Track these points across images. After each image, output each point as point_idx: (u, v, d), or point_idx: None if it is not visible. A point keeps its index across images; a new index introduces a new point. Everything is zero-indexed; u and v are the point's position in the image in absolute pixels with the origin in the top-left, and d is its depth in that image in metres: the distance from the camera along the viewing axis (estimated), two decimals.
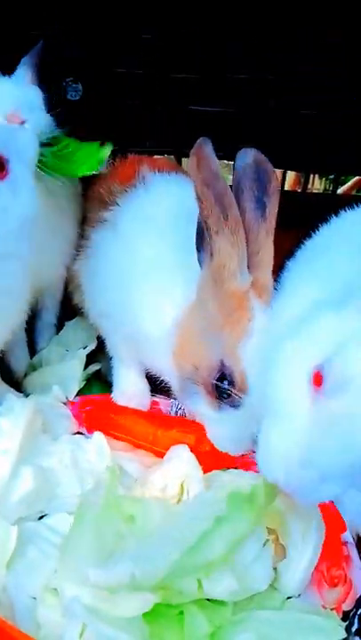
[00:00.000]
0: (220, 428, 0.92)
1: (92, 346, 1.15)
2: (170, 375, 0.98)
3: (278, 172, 1.55)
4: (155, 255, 0.96)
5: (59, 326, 1.27)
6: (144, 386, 1.10)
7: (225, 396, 0.88)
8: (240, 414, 0.88)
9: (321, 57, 1.29)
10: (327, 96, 1.32)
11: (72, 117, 1.40)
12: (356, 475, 0.67)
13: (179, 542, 0.73)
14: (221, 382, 0.87)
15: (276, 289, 0.91)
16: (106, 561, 0.74)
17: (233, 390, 0.86)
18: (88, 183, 1.23)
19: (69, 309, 1.17)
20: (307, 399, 0.69)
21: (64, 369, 1.13)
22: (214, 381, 0.88)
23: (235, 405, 0.88)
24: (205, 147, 0.82)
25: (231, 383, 0.86)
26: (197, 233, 0.87)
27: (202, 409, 0.93)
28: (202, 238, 0.86)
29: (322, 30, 1.27)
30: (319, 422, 0.67)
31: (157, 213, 1.00)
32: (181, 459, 0.91)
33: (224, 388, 0.87)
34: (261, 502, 0.78)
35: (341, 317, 0.70)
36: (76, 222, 1.16)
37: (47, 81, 1.12)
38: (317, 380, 0.68)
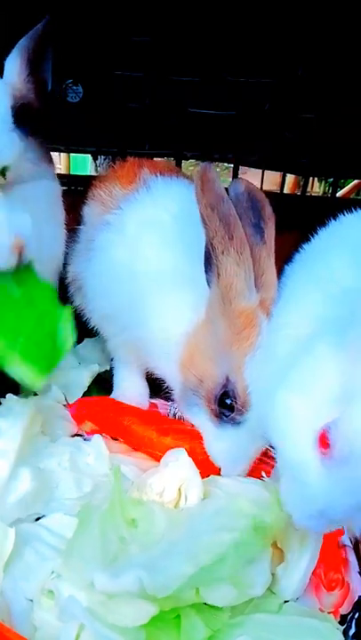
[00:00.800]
0: (219, 443, 0.92)
1: (106, 367, 1.15)
2: (173, 382, 0.98)
3: (278, 175, 1.56)
4: (163, 264, 0.96)
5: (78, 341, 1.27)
6: (144, 388, 1.10)
7: (226, 412, 0.88)
8: (239, 432, 0.88)
9: (320, 60, 1.30)
10: (327, 99, 1.33)
11: (72, 119, 1.41)
12: None
13: (194, 559, 0.73)
14: (225, 398, 0.88)
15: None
16: (110, 565, 0.74)
17: (236, 406, 0.87)
18: (88, 185, 1.24)
19: (89, 329, 1.17)
20: (316, 460, 0.69)
21: (72, 375, 1.13)
22: (218, 396, 0.88)
23: (235, 422, 0.88)
24: (209, 171, 0.84)
25: (234, 399, 0.87)
26: (205, 255, 0.88)
27: (202, 422, 0.93)
28: (209, 260, 0.87)
29: (321, 33, 1.27)
30: (330, 483, 0.68)
31: (164, 218, 1.00)
32: (179, 463, 0.91)
33: (227, 403, 0.87)
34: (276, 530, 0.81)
35: (344, 359, 0.68)
36: (61, 225, 1.14)
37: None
38: (324, 442, 0.68)
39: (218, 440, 0.92)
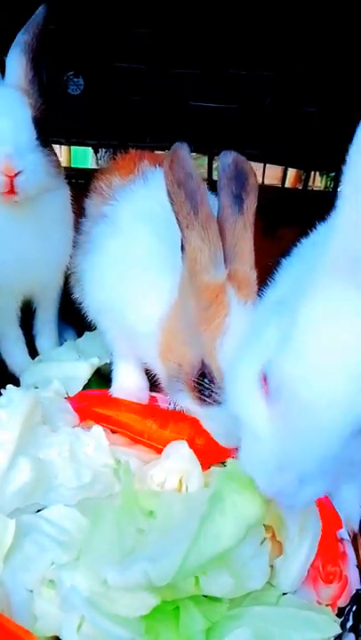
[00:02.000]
0: (208, 423, 0.93)
1: (107, 360, 1.15)
2: (159, 371, 0.98)
3: (279, 169, 1.55)
4: (148, 251, 0.96)
5: (78, 335, 1.28)
6: (143, 381, 1.10)
7: (206, 393, 0.89)
8: (224, 410, 0.87)
9: (322, 53, 1.29)
10: (328, 93, 1.32)
11: (73, 112, 1.40)
12: (334, 469, 0.68)
13: (185, 535, 0.73)
14: (202, 380, 0.88)
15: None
16: (126, 557, 0.74)
17: (213, 388, 0.87)
18: (90, 178, 1.23)
19: (90, 322, 1.17)
20: (262, 403, 0.70)
21: (72, 368, 1.13)
22: (195, 379, 0.88)
23: (218, 402, 0.88)
24: (181, 149, 0.85)
25: (211, 381, 0.87)
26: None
27: (188, 405, 0.94)
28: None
29: (322, 26, 1.27)
30: (276, 425, 0.68)
31: (154, 208, 1.00)
32: (180, 454, 0.91)
33: (205, 386, 0.88)
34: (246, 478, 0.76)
35: (282, 320, 0.72)
36: (70, 230, 1.17)
37: (48, 73, 1.11)
38: (264, 382, 0.70)
39: (206, 420, 0.92)
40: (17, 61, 1.03)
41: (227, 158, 0.91)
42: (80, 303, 1.16)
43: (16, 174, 0.96)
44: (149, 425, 1.00)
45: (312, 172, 1.62)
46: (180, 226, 0.86)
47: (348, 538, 0.93)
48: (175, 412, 1.06)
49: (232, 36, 1.31)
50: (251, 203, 0.90)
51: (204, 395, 0.89)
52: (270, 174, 1.56)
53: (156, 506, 0.83)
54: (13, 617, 0.76)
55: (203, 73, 1.37)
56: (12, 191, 0.97)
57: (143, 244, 0.98)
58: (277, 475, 0.68)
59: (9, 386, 1.02)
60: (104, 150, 1.53)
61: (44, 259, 1.12)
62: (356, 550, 0.93)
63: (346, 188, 0.67)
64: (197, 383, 0.89)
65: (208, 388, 0.88)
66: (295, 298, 0.71)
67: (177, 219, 0.86)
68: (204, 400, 0.90)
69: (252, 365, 0.74)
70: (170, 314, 0.92)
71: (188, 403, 0.93)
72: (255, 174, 0.92)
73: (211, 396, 0.88)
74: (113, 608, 0.72)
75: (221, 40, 1.33)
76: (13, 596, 0.79)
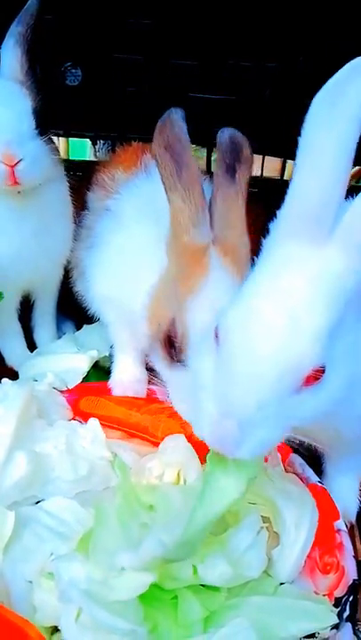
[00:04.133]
0: (172, 385, 0.92)
1: (105, 353, 1.16)
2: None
3: (278, 160, 1.54)
4: (151, 245, 0.96)
5: (77, 328, 1.28)
6: (142, 375, 1.10)
7: (173, 353, 0.88)
8: (187, 372, 0.87)
9: (322, 45, 1.28)
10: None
11: (71, 103, 1.39)
12: (276, 418, 0.68)
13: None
14: (172, 339, 0.88)
15: None
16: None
17: (178, 346, 0.87)
18: (89, 170, 1.23)
19: (89, 315, 1.17)
20: (212, 354, 0.72)
21: (71, 361, 1.13)
22: (166, 337, 0.89)
23: (182, 363, 0.88)
24: (175, 114, 0.87)
25: (175, 337, 0.87)
26: None
27: (159, 367, 0.94)
28: None
29: (323, 17, 1.26)
30: (219, 371, 0.70)
31: (158, 202, 1.00)
32: (178, 447, 0.92)
33: (174, 344, 0.87)
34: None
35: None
36: (70, 222, 1.17)
37: (45, 64, 1.10)
38: (216, 340, 0.72)
39: (170, 382, 0.92)
40: (12, 53, 1.03)
41: (223, 134, 0.93)
42: (82, 296, 1.16)
43: (16, 163, 0.95)
44: (134, 415, 1.01)
45: None
46: (165, 188, 0.87)
47: (346, 528, 0.93)
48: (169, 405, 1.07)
49: (232, 28, 1.30)
50: (243, 173, 0.91)
51: (171, 354, 0.89)
52: (269, 166, 1.55)
53: (156, 499, 0.83)
54: (13, 608, 0.77)
55: (202, 64, 1.36)
56: (14, 182, 0.97)
57: (147, 239, 0.97)
58: (218, 422, 0.68)
59: (4, 380, 1.02)
60: (102, 142, 1.53)
61: (43, 251, 1.12)
62: (353, 541, 0.94)
63: (300, 157, 0.71)
64: (167, 341, 0.89)
65: (174, 347, 0.88)
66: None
67: (162, 180, 0.87)
68: (171, 359, 0.89)
69: (210, 321, 0.76)
70: (158, 281, 0.92)
71: (159, 364, 0.93)
72: (250, 147, 0.93)
73: (177, 356, 0.88)
74: (112, 594, 0.72)
75: (221, 31, 1.32)
76: (13, 586, 0.79)
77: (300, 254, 0.70)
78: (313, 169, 0.70)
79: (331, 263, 0.69)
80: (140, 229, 0.99)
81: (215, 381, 0.70)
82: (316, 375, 0.67)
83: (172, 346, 0.88)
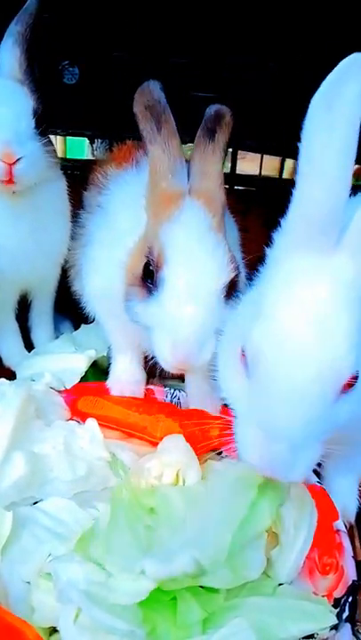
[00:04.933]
0: (151, 316, 0.88)
1: (103, 352, 1.15)
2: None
3: (277, 159, 1.54)
4: (135, 234, 0.95)
5: (75, 327, 1.28)
6: (139, 374, 1.10)
7: (149, 277, 0.88)
8: (165, 295, 0.85)
9: (322, 43, 1.28)
10: None
11: (68, 101, 1.39)
12: (324, 432, 0.68)
13: (229, 520, 0.74)
14: (148, 267, 0.88)
15: None
16: (148, 552, 0.75)
17: (152, 263, 0.87)
18: (86, 169, 1.22)
19: (87, 315, 1.17)
20: (243, 379, 0.72)
21: (69, 360, 1.13)
22: (142, 267, 0.89)
23: (158, 285, 0.86)
24: (151, 83, 0.94)
25: (152, 262, 0.87)
26: None
27: (136, 307, 0.90)
28: None
29: (323, 16, 1.25)
30: (257, 397, 0.69)
31: (143, 192, 1.00)
32: (177, 447, 0.91)
33: (150, 271, 0.87)
34: None
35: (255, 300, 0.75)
36: (67, 221, 1.16)
37: (43, 63, 1.10)
38: (243, 359, 0.72)
39: (148, 314, 0.88)
40: (10, 52, 1.03)
41: (210, 109, 0.97)
42: (79, 296, 1.16)
43: (15, 162, 0.95)
44: (133, 414, 1.00)
45: None
46: (145, 141, 0.92)
47: (345, 529, 0.93)
48: (168, 404, 1.06)
49: (231, 26, 1.30)
50: (222, 134, 0.94)
51: (147, 284, 0.88)
52: (268, 165, 1.55)
53: (156, 502, 0.83)
54: (11, 609, 0.76)
55: (201, 62, 1.36)
56: (10, 180, 0.96)
57: (134, 233, 0.96)
58: (268, 448, 0.67)
59: (2, 380, 1.01)
60: (100, 141, 1.52)
61: (41, 250, 1.11)
62: (352, 541, 0.94)
63: (302, 165, 0.70)
64: (144, 272, 0.89)
65: (151, 277, 0.87)
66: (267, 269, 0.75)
67: (143, 135, 0.92)
68: (149, 288, 0.87)
69: (232, 343, 0.75)
70: (137, 241, 0.93)
71: (136, 305, 0.90)
72: (231, 117, 0.96)
73: (153, 279, 0.86)
74: (111, 597, 0.72)
75: (220, 30, 1.31)
76: (11, 587, 0.79)
77: (312, 265, 0.70)
78: (317, 177, 0.69)
79: (343, 271, 0.69)
80: (128, 224, 0.99)
81: (254, 405, 0.69)
82: (351, 382, 0.67)
83: (149, 276, 0.88)
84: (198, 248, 0.86)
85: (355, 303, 0.68)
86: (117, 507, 0.81)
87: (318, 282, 0.69)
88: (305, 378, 0.65)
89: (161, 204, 0.90)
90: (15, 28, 1.03)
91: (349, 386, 0.67)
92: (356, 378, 0.67)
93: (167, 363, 0.85)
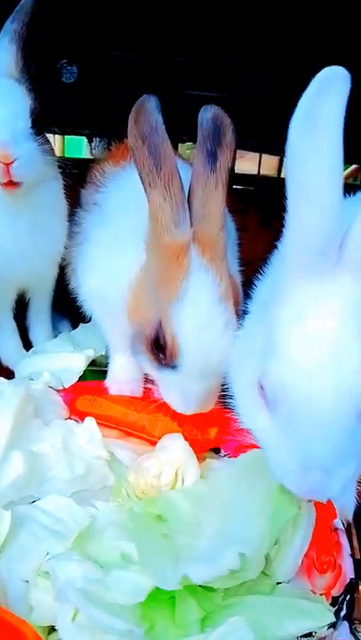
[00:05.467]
0: (164, 387, 0.92)
1: (102, 352, 1.15)
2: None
3: (275, 159, 1.54)
4: (132, 232, 0.95)
5: (73, 326, 1.28)
6: (138, 373, 1.10)
7: (161, 356, 0.88)
8: (178, 374, 0.87)
9: (321, 43, 1.28)
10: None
11: (67, 100, 1.38)
12: (351, 449, 0.69)
13: (260, 510, 0.76)
14: (159, 342, 0.87)
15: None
16: (177, 559, 0.76)
17: (165, 351, 0.86)
18: (85, 168, 1.22)
19: (85, 314, 1.17)
20: (265, 413, 0.73)
21: (67, 360, 1.13)
22: (152, 341, 0.88)
23: (172, 367, 0.87)
24: (148, 102, 0.83)
25: (165, 345, 0.86)
26: None
27: (146, 368, 0.93)
28: None
29: (321, 14, 1.25)
30: (284, 432, 0.70)
31: (141, 191, 0.99)
32: (176, 446, 0.92)
33: (162, 347, 0.87)
34: None
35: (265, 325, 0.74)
36: (64, 220, 1.16)
37: (41, 61, 1.10)
38: (262, 393, 0.72)
39: (162, 383, 0.91)
40: (7, 50, 1.02)
41: (206, 112, 0.88)
42: (76, 294, 1.16)
43: (12, 162, 0.95)
44: (131, 414, 1.00)
45: None
46: (143, 184, 0.84)
47: (343, 527, 0.93)
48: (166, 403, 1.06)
49: (229, 25, 1.30)
50: (224, 161, 0.87)
51: (159, 357, 0.88)
52: (266, 164, 1.55)
53: (162, 509, 0.84)
54: (9, 608, 0.77)
55: (200, 62, 1.36)
56: (10, 183, 0.96)
57: (130, 232, 0.96)
58: (304, 477, 0.69)
59: (0, 379, 1.01)
60: (98, 140, 1.52)
61: (38, 249, 1.11)
62: (350, 540, 0.94)
63: (291, 190, 0.69)
64: (154, 345, 0.88)
65: (162, 351, 0.87)
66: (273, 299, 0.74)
67: (140, 176, 0.84)
68: (160, 363, 0.89)
69: (248, 376, 0.76)
70: (138, 276, 0.91)
71: (145, 365, 0.93)
72: (233, 130, 0.88)
73: (166, 359, 0.87)
74: (110, 596, 0.72)
75: (218, 28, 1.31)
76: (9, 586, 0.79)
77: (317, 291, 0.69)
78: (308, 201, 0.68)
79: (349, 291, 0.69)
80: (123, 222, 0.98)
81: (282, 441, 0.71)
82: None
83: (159, 349, 0.88)
84: (210, 335, 0.85)
85: None
86: (141, 516, 0.82)
87: (326, 309, 0.68)
88: (327, 410, 0.66)
89: (165, 261, 0.85)
90: (11, 27, 1.03)
91: None
92: None
93: (179, 410, 0.91)
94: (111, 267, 0.98)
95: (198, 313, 0.83)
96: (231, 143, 0.87)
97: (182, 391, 0.89)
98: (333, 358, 0.66)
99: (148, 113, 0.83)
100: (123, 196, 1.02)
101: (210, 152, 0.86)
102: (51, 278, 1.22)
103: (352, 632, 0.84)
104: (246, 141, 1.44)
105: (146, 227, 0.90)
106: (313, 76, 0.69)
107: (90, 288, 1.06)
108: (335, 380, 0.66)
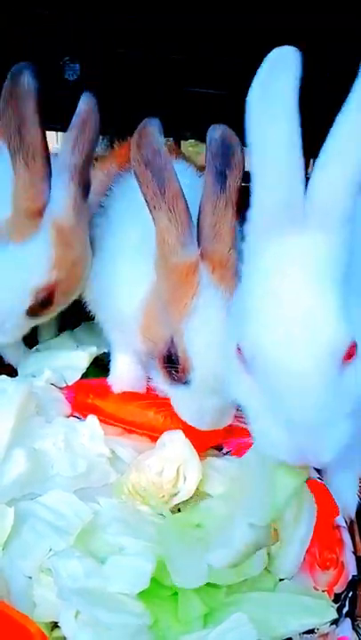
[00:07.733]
0: (178, 402, 0.93)
1: (105, 349, 1.15)
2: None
3: None
4: (138, 238, 0.95)
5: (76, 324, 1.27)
6: (140, 372, 1.10)
7: (174, 372, 0.89)
8: (192, 391, 0.88)
9: (320, 39, 1.28)
10: (325, 80, 1.31)
11: (69, 98, 1.38)
12: (342, 404, 0.68)
13: (265, 485, 0.74)
14: (171, 358, 0.88)
15: None
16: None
17: (177, 367, 0.87)
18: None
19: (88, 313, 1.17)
20: (245, 377, 0.72)
21: (70, 357, 1.13)
22: (165, 357, 0.89)
23: (184, 382, 0.88)
24: (150, 125, 0.84)
25: (177, 361, 0.87)
26: None
27: (160, 384, 0.94)
28: None
29: (318, 15, 1.25)
30: (264, 393, 0.70)
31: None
32: (177, 443, 0.92)
33: (174, 364, 0.88)
34: None
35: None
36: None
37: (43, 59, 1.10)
38: (241, 358, 0.72)
39: (176, 399, 0.92)
40: None
41: (214, 132, 0.88)
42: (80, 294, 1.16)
43: None
44: (135, 410, 1.01)
45: (309, 159, 1.61)
46: (148, 207, 0.85)
47: (345, 524, 0.93)
48: (168, 400, 1.06)
49: (229, 23, 1.30)
50: (234, 180, 0.87)
51: (171, 373, 0.89)
52: None
53: (200, 518, 0.84)
54: (13, 604, 0.77)
55: (200, 59, 1.36)
56: None
57: (135, 240, 0.96)
58: (293, 441, 0.67)
59: (3, 376, 1.01)
60: (101, 137, 1.52)
61: None
62: (352, 537, 0.94)
63: (254, 156, 0.72)
64: (166, 361, 0.89)
65: (175, 368, 0.88)
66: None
67: (145, 199, 0.85)
68: (173, 379, 0.90)
69: (229, 343, 0.76)
70: (149, 294, 0.92)
71: (159, 382, 0.94)
72: (242, 150, 0.88)
73: (178, 375, 0.88)
74: (112, 587, 0.73)
75: (218, 26, 1.31)
76: (12, 583, 0.80)
77: (286, 247, 0.70)
78: (270, 166, 0.70)
79: (316, 246, 0.69)
80: (128, 230, 0.98)
81: (263, 403, 0.70)
82: (351, 351, 0.67)
83: (171, 366, 0.88)
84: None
85: (336, 272, 0.68)
86: (165, 534, 0.82)
87: (293, 267, 0.69)
88: (303, 364, 0.66)
89: (173, 281, 0.86)
90: None
91: (351, 355, 0.67)
92: (355, 345, 0.67)
93: (194, 425, 0.92)
94: (114, 274, 0.98)
95: (209, 329, 0.84)
96: (240, 163, 0.87)
97: (195, 407, 0.90)
98: (306, 312, 0.66)
99: (151, 136, 0.83)
100: (127, 201, 1.01)
101: (219, 172, 0.87)
102: None
103: (354, 628, 0.85)
104: (246, 139, 1.44)
105: (153, 238, 0.90)
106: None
107: (92, 292, 1.07)
108: (309, 332, 0.66)
